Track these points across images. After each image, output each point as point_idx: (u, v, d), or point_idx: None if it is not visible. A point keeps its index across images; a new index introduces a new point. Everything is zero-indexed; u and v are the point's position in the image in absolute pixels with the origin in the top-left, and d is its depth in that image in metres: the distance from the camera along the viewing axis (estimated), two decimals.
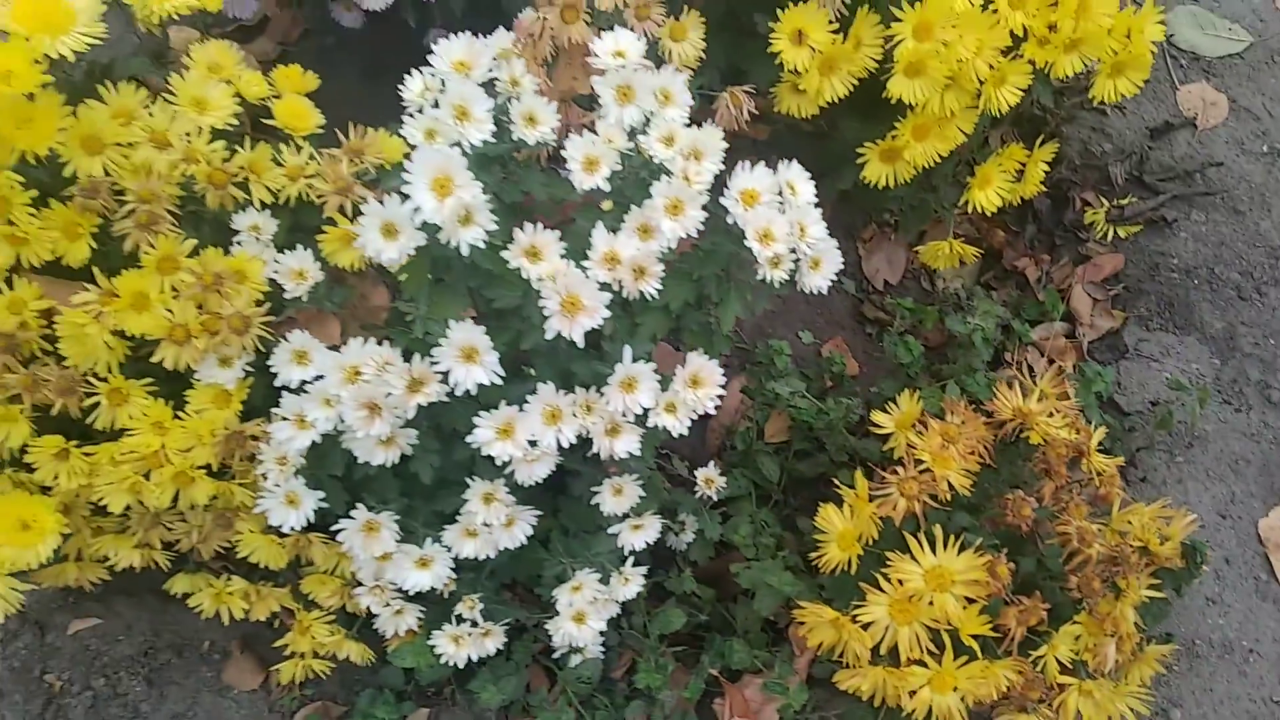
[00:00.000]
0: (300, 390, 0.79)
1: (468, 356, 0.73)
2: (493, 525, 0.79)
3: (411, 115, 0.75)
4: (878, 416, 1.01)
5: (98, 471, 0.83)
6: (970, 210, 1.22)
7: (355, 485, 0.86)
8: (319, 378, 0.80)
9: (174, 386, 0.84)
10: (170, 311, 0.81)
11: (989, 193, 1.20)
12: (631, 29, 0.96)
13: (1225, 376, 1.24)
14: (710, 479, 1.01)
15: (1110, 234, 1.35)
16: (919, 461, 0.92)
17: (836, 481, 0.97)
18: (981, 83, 1.07)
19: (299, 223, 0.92)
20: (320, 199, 0.89)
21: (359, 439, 0.76)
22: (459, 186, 0.70)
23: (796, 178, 0.82)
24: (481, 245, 0.72)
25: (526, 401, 0.75)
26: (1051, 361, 1.29)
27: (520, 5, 1.15)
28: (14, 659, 1.01)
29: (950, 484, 0.91)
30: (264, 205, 0.89)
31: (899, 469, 0.92)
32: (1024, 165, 1.21)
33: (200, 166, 0.85)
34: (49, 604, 1.03)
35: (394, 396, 0.73)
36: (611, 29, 0.96)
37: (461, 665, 0.87)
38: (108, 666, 1.00)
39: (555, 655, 0.98)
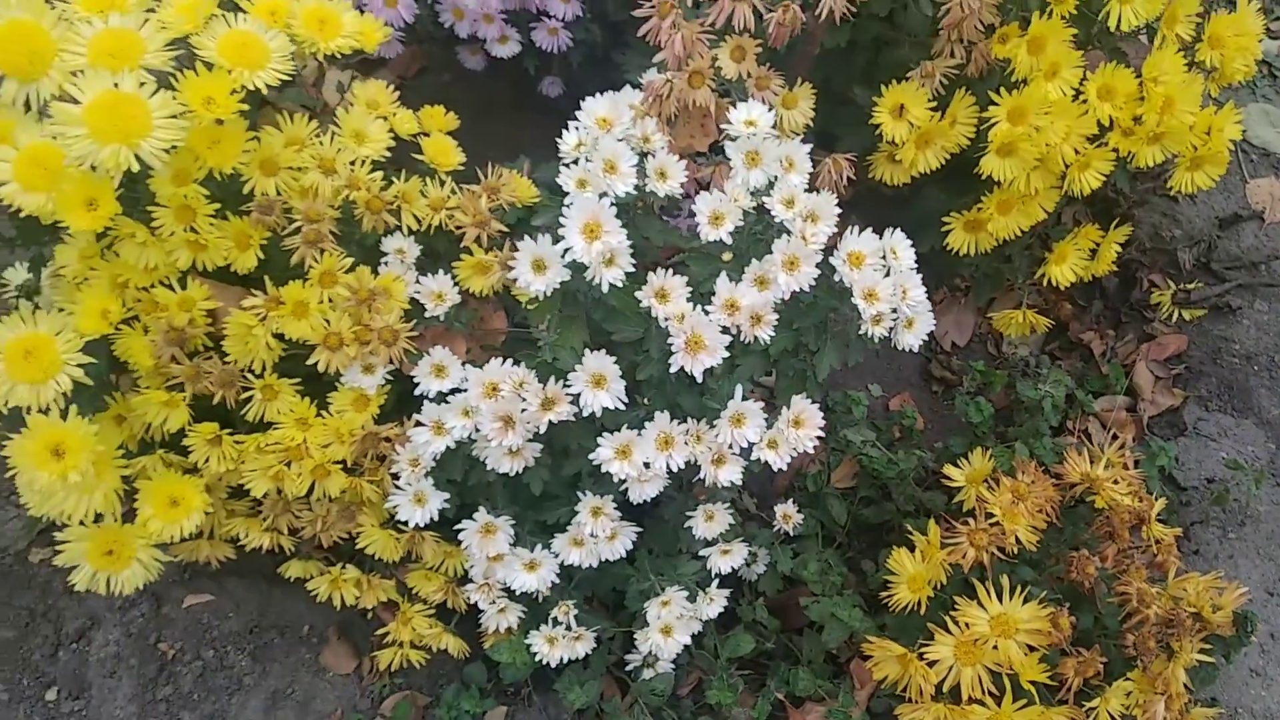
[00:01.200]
0: (439, 400, 0.87)
1: (597, 383, 0.81)
2: (599, 537, 0.87)
3: (566, 165, 0.84)
4: (950, 470, 1.08)
5: (244, 458, 0.92)
6: (1044, 283, 1.29)
7: (468, 491, 0.94)
8: (455, 390, 0.88)
9: (318, 388, 0.94)
10: (327, 321, 0.90)
11: (1064, 268, 1.27)
12: (750, 95, 1.05)
13: (1279, 458, 1.29)
14: (788, 515, 1.08)
15: (1175, 315, 1.41)
16: (989, 515, 0.99)
17: (909, 528, 1.03)
18: (1067, 166, 1.15)
19: (431, 248, 1.02)
20: (459, 229, 0.99)
21: (491, 448, 0.84)
22: (607, 232, 0.79)
23: (899, 244, 0.90)
24: (620, 284, 0.81)
25: (643, 427, 0.82)
26: (1112, 433, 1.34)
27: (634, 65, 1.26)
28: (131, 626, 1.09)
29: (1018, 538, 0.97)
30: (409, 231, 0.98)
31: (970, 520, 0.99)
32: (1098, 244, 1.28)
33: (361, 193, 0.94)
34: (166, 578, 1.12)
35: (528, 412, 0.81)
36: (728, 94, 1.06)
37: (552, 664, 0.94)
38: (217, 640, 1.09)
39: (628, 668, 1.04)
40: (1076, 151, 1.14)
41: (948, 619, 0.94)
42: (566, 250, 0.79)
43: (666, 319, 0.81)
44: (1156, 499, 1.05)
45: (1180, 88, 1.14)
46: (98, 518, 0.89)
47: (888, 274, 0.88)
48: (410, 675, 1.08)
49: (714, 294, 0.82)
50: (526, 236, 0.82)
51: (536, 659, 0.94)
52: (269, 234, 0.92)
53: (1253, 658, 1.14)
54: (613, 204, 0.82)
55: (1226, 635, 0.98)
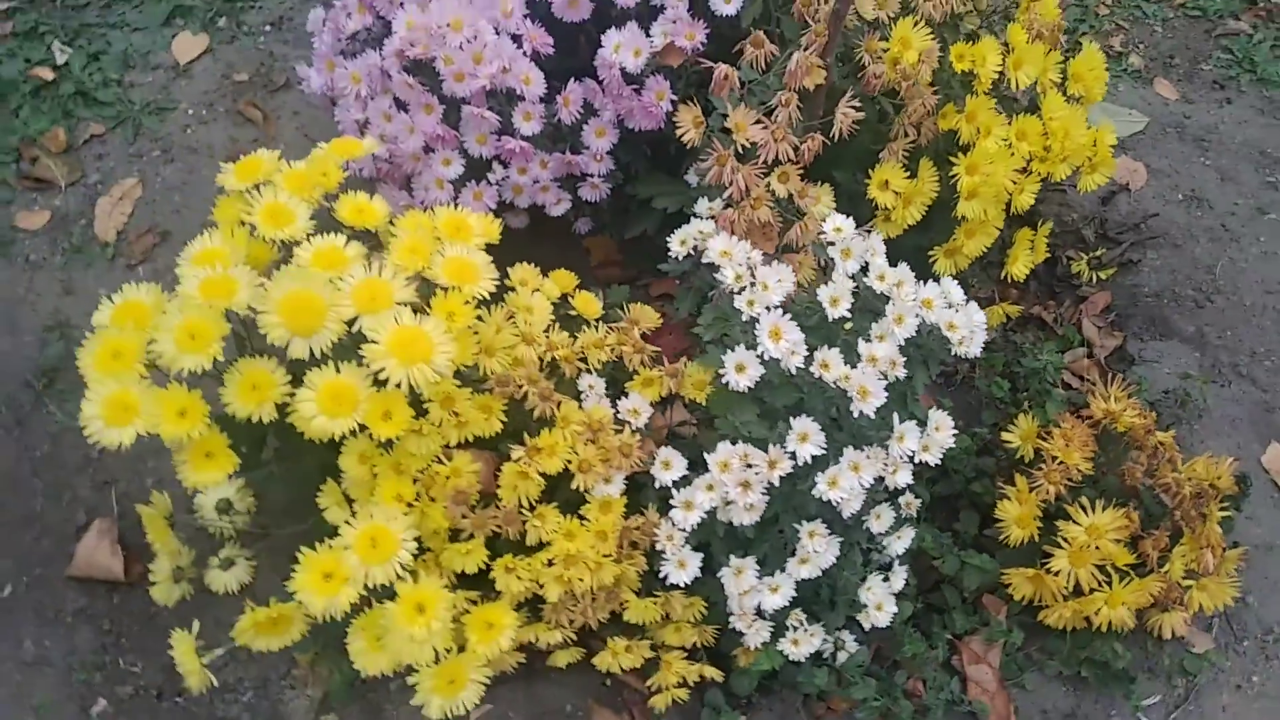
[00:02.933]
0: (675, 486, 1.16)
1: (803, 439, 1.12)
2: (820, 551, 1.17)
3: (736, 293, 1.15)
4: (1007, 435, 1.44)
5: (536, 576, 1.18)
6: (1003, 280, 1.69)
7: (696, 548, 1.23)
8: (682, 478, 1.17)
9: (565, 507, 1.20)
10: (575, 452, 1.17)
11: (1019, 266, 1.66)
12: (790, 197, 1.39)
13: (1205, 364, 1.72)
14: (910, 501, 1.41)
15: (1094, 278, 1.84)
16: (1054, 458, 1.35)
17: (978, 489, 1.38)
18: (1010, 195, 1.55)
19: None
20: (628, 360, 1.28)
21: (736, 508, 1.13)
22: (786, 334, 1.11)
23: (951, 288, 1.25)
24: (796, 368, 1.12)
25: (838, 461, 1.14)
26: (1082, 379, 1.75)
27: (645, 193, 1.60)
28: None
29: (1079, 469, 1.34)
30: (592, 370, 1.27)
31: (1042, 466, 1.35)
32: (1033, 241, 1.69)
33: (561, 351, 1.23)
34: None
35: (760, 473, 1.11)
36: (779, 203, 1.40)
37: (803, 659, 1.23)
38: None
39: (824, 656, 1.34)
40: (1014, 182, 1.54)
41: (1057, 538, 1.29)
42: (763, 352, 1.11)
43: (835, 379, 1.13)
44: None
45: (1069, 119, 1.56)
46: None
47: (949, 307, 1.23)
48: (666, 715, 1.34)
49: (858, 355, 1.15)
50: (729, 350, 1.13)
51: (789, 658, 1.22)
52: (505, 402, 1.19)
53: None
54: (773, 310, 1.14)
55: (1234, 493, 1.37)
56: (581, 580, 1.17)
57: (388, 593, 1.09)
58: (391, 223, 1.27)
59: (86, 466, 1.56)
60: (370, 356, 1.05)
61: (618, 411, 1.24)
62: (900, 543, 1.26)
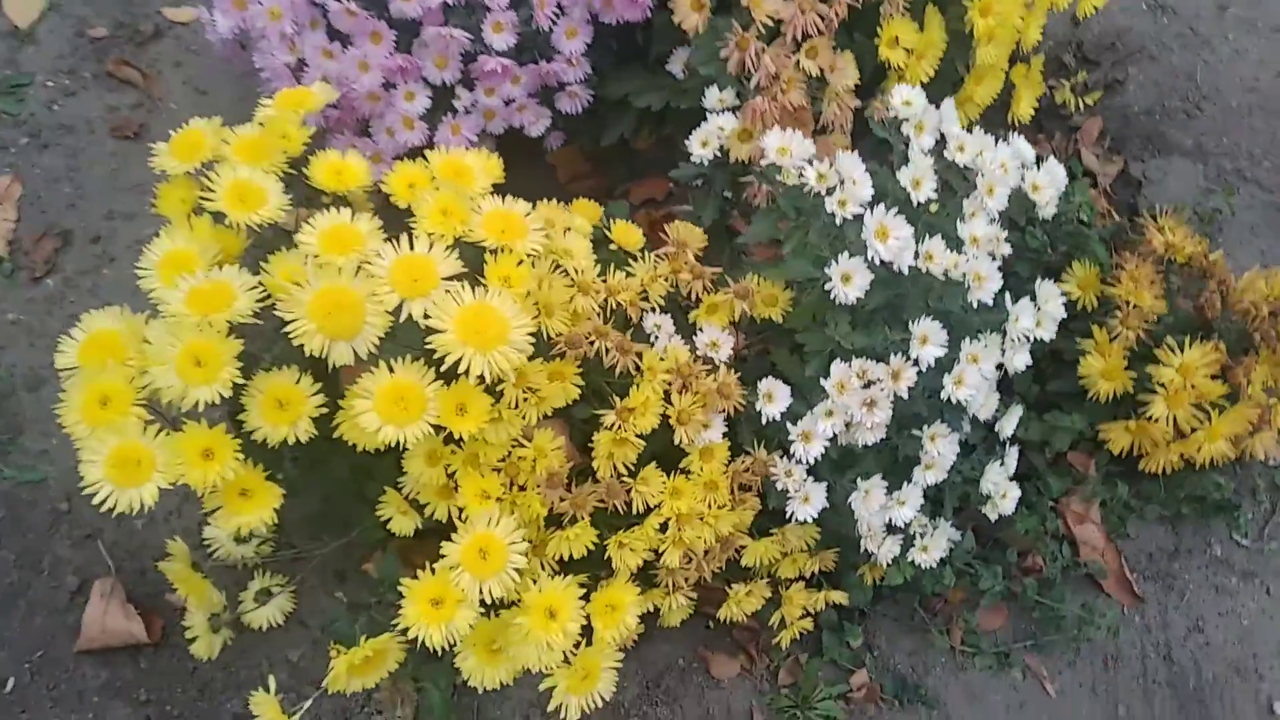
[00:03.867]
0: (781, 421, 1.05)
1: (924, 341, 1.02)
2: (944, 454, 1.09)
3: (824, 194, 1.02)
4: (1065, 286, 1.37)
5: (650, 544, 1.06)
6: (1010, 123, 1.60)
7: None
8: (786, 410, 1.06)
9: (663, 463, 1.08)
10: (670, 403, 1.04)
11: (1024, 105, 1.57)
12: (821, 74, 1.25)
13: (1209, 174, 1.69)
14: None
15: (1081, 105, 1.77)
16: (1127, 303, 1.29)
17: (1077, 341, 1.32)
18: (1020, 33, 1.44)
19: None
20: (685, 286, 1.15)
21: (864, 430, 1.03)
22: (894, 231, 0.99)
23: (1022, 146, 1.16)
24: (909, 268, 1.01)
25: (956, 357, 1.05)
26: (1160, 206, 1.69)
27: (617, 92, 1.43)
28: None
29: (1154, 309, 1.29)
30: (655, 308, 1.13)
31: (1117, 313, 1.29)
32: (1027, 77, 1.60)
33: (625, 294, 1.08)
34: None
35: (885, 387, 1.01)
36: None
37: (930, 566, 1.17)
38: (632, 711, 1.23)
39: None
40: (1022, 19, 1.43)
41: (1154, 384, 1.25)
42: (873, 256, 0.99)
43: (943, 270, 1.03)
44: None
45: None
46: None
47: (1023, 167, 1.14)
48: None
49: (959, 239, 1.04)
50: (833, 262, 1.00)
51: (919, 567, 1.16)
52: (578, 365, 1.04)
53: None
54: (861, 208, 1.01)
55: None
56: (700, 538, 1.07)
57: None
58: (381, 181, 1.09)
59: (58, 523, 1.35)
60: (441, 348, 0.89)
61: (694, 347, 1.11)
62: (1009, 423, 1.19)
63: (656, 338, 1.11)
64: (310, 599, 1.30)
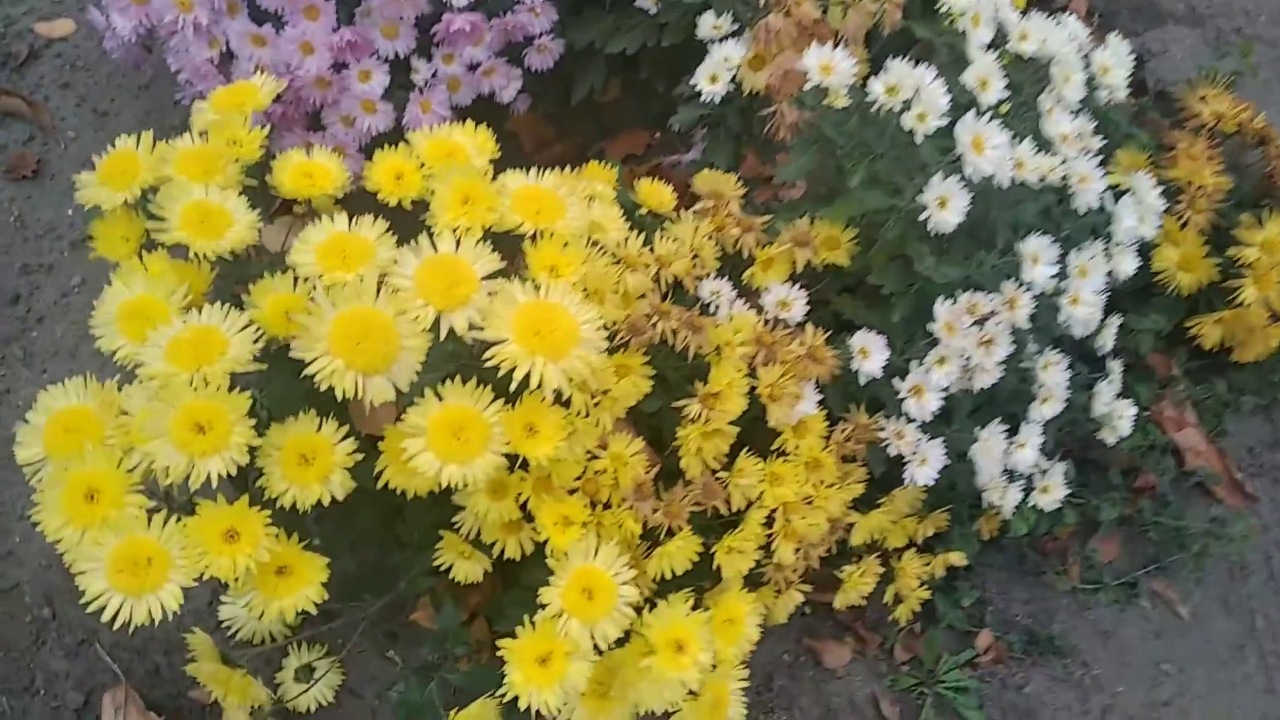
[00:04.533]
0: (885, 379, 0.92)
1: (1034, 261, 0.89)
2: (1060, 382, 0.97)
3: (897, 111, 0.87)
4: (1113, 179, 1.26)
5: (758, 541, 0.92)
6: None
7: None
8: (886, 362, 0.93)
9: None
10: (756, 379, 0.90)
11: None
12: None
13: (1209, 38, 1.60)
14: None
15: None
16: (1189, 184, 1.18)
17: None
18: None
19: None
20: (735, 242, 1.00)
21: (979, 372, 0.90)
22: (990, 140, 0.85)
23: (1073, 23, 1.03)
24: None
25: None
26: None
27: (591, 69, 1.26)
28: None
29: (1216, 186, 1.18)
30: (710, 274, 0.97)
31: (1180, 198, 1.18)
32: None
33: (679, 264, 0.92)
34: None
35: (1000, 321, 0.88)
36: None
37: (1051, 509, 1.05)
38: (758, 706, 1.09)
39: None
40: None
41: (1238, 267, 1.14)
42: (970, 171, 0.85)
43: (1039, 177, 0.90)
44: None
45: None
46: None
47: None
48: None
49: (1045, 140, 0.91)
50: (926, 184, 0.86)
51: (1041, 510, 1.04)
52: (645, 353, 0.89)
53: None
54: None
55: None
56: (815, 525, 0.93)
57: None
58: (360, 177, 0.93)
59: (43, 633, 1.15)
60: (505, 362, 0.72)
61: (760, 311, 0.97)
62: (1109, 335, 1.07)
63: (717, 306, 0.96)
64: (359, 665, 1.14)
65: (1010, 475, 0.99)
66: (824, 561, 1.02)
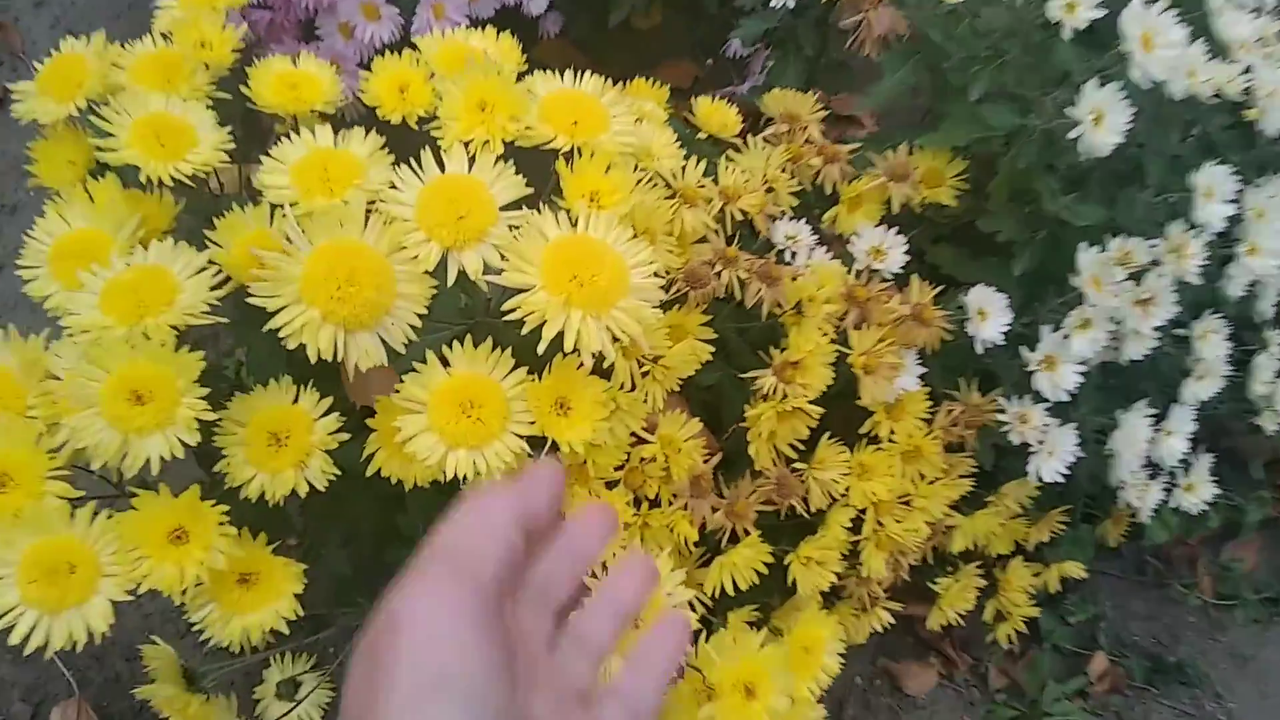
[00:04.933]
0: (1007, 346, 0.73)
1: (1207, 195, 0.69)
2: (1218, 357, 0.77)
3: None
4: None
5: (841, 549, 0.74)
6: None
7: None
8: (1007, 326, 0.74)
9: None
10: (849, 346, 0.71)
11: None
12: None
13: None
14: None
15: None
16: None
17: None
18: None
19: None
20: (816, 174, 0.80)
21: (1129, 341, 0.71)
22: (1162, 35, 0.65)
23: None
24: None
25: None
26: None
27: None
28: None
29: None
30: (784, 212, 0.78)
31: None
32: None
33: (749, 198, 0.73)
34: None
35: (1165, 273, 0.69)
36: None
37: (1197, 512, 0.86)
38: None
39: None
40: None
41: None
42: (1140, 74, 0.65)
43: (1213, 90, 0.70)
44: None
45: None
46: None
47: None
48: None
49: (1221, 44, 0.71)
50: (1080, 93, 0.66)
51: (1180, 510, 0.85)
52: (707, 308, 0.70)
53: None
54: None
55: None
56: (913, 530, 0.74)
57: None
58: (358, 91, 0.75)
59: None
60: (533, 315, 0.54)
61: (846, 260, 0.78)
62: (1268, 300, 0.87)
63: (794, 253, 0.77)
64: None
65: (1154, 469, 0.80)
66: (912, 568, 0.83)
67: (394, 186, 0.57)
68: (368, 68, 0.89)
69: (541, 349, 0.50)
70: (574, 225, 0.56)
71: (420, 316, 0.56)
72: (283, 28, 0.96)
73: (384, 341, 0.56)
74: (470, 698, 0.24)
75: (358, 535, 0.85)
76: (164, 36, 0.77)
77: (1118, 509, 0.86)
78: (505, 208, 0.57)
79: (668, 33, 1.34)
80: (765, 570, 0.71)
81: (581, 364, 0.57)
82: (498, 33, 0.83)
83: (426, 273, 0.56)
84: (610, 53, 1.38)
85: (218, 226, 0.69)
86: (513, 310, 0.53)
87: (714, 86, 1.30)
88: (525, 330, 0.53)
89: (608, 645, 0.30)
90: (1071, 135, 0.66)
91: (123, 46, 0.74)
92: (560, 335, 0.53)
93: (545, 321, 0.53)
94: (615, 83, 1.46)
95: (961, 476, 0.77)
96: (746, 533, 0.70)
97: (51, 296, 0.66)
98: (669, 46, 1.35)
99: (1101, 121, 0.66)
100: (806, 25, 0.97)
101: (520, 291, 0.54)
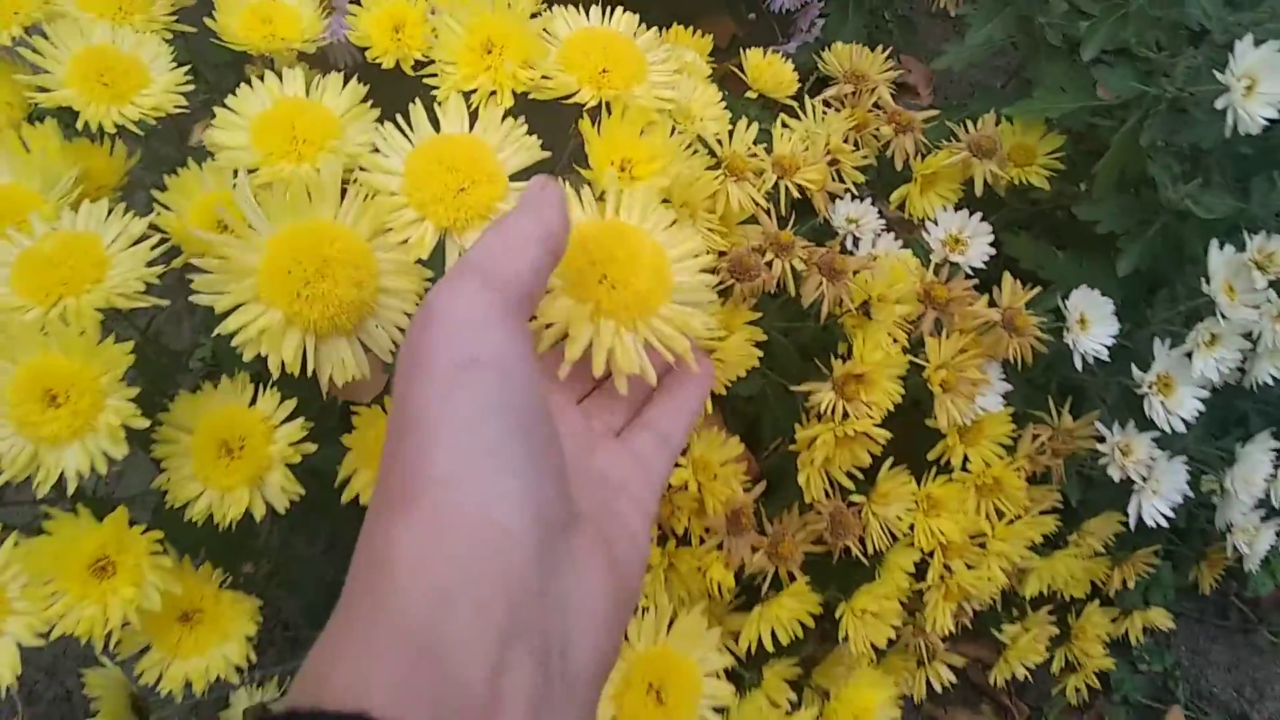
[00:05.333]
0: (1109, 362, 0.60)
1: None
2: None
3: None
4: None
5: (899, 594, 0.62)
6: None
7: None
8: (1112, 338, 0.61)
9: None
10: (923, 360, 0.58)
11: None
12: None
13: None
14: None
15: None
16: None
17: None
18: None
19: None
20: (885, 145, 0.68)
21: (1271, 356, 0.58)
22: None
23: None
24: None
25: None
26: None
27: None
28: None
29: None
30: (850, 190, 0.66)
31: None
32: None
33: (809, 171, 0.61)
34: None
35: None
36: None
37: None
38: None
39: None
40: None
41: None
42: None
43: None
44: None
45: None
46: None
47: None
48: None
49: None
50: (1231, 59, 0.53)
51: None
52: (753, 304, 0.58)
53: None
54: None
55: None
56: (986, 579, 0.62)
57: None
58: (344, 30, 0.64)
59: None
60: (551, 330, 0.41)
61: (919, 250, 0.65)
62: None
63: (856, 239, 0.65)
64: None
65: (1267, 511, 0.68)
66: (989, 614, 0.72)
67: (377, 150, 0.45)
68: (358, 2, 0.76)
69: (563, 373, 0.38)
70: (601, 204, 0.43)
71: (409, 316, 0.44)
72: None
73: (361, 347, 0.44)
74: (502, 374, 0.26)
75: (342, 543, 0.74)
76: None
77: (1213, 551, 0.74)
78: (515, 177, 0.45)
79: None
80: (811, 622, 0.59)
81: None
82: None
83: (418, 261, 0.43)
84: (640, 6, 1.25)
85: (167, 185, 0.58)
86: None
87: (755, 45, 1.17)
88: (543, 347, 0.41)
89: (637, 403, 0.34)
90: (1219, 105, 0.53)
91: None
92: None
93: (570, 339, 0.40)
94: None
95: (1044, 512, 0.64)
96: (791, 577, 0.58)
97: None
98: (704, 1, 1.22)
99: (1254, 90, 0.53)
100: None
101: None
